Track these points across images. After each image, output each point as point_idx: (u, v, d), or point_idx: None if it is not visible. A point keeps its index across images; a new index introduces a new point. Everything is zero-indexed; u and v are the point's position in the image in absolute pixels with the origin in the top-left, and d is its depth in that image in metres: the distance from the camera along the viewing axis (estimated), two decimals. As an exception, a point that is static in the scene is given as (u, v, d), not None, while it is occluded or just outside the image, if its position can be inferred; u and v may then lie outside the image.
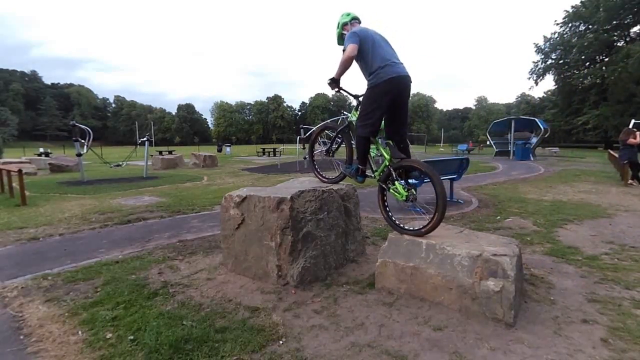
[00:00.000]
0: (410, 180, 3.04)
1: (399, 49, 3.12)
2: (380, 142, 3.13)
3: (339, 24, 3.29)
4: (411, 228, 2.94)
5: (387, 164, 3.03)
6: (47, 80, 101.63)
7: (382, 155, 3.10)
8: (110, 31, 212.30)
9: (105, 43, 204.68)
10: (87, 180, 11.10)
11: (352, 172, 3.29)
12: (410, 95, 3.18)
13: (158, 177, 12.23)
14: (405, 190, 2.90)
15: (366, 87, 3.04)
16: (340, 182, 3.73)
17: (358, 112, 3.19)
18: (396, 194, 2.95)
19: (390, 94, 2.92)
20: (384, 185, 3.09)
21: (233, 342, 2.21)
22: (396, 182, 2.95)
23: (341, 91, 3.24)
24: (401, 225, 3.00)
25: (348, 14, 3.26)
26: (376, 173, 3.17)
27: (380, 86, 2.90)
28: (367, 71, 3.01)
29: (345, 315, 2.58)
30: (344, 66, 3.00)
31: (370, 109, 3.00)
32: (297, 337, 2.29)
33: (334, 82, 3.10)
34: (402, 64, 3.02)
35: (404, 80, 2.94)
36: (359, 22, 3.29)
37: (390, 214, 3.11)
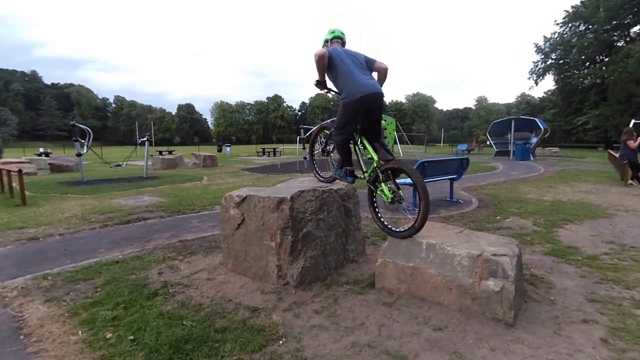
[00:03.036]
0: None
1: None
2: (369, 144, 3.19)
3: (324, 40, 3.41)
4: (397, 229, 2.97)
5: (375, 165, 3.08)
6: (48, 80, 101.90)
7: (371, 157, 3.16)
8: (110, 31, 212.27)
9: (106, 43, 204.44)
10: (87, 180, 11.10)
11: (341, 174, 3.37)
12: (384, 109, 3.25)
13: (158, 177, 12.23)
14: (391, 192, 2.95)
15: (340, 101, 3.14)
16: (341, 182, 3.74)
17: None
18: (382, 195, 3.02)
19: (361, 111, 3.02)
20: (372, 187, 3.16)
21: (233, 342, 2.21)
22: (382, 184, 3.01)
23: (330, 92, 3.30)
24: (389, 226, 3.04)
25: (333, 32, 3.38)
26: (366, 174, 3.23)
27: (352, 104, 3.00)
28: (338, 88, 3.15)
29: (345, 315, 2.58)
30: (319, 66, 3.08)
31: (342, 122, 3.14)
32: (297, 337, 2.30)
33: (320, 84, 3.18)
34: (372, 80, 3.10)
35: (374, 98, 3.00)
36: (341, 42, 3.38)
37: (379, 215, 3.17)
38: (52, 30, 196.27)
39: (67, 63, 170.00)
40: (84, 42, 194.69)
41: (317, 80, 3.16)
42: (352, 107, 3.00)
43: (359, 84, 2.97)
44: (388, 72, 3.25)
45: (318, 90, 3.38)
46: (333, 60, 3.08)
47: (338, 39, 3.36)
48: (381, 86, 3.19)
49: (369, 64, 3.20)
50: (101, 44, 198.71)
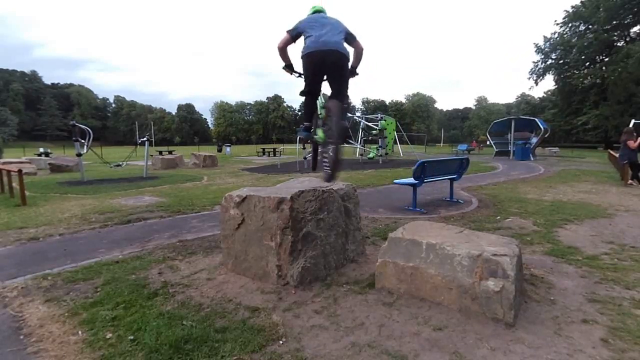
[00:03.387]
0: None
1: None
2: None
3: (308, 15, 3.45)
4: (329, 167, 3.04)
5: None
6: (48, 80, 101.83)
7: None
8: (111, 31, 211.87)
9: (106, 43, 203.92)
10: (87, 180, 11.10)
11: (301, 132, 3.51)
12: (344, 67, 3.14)
13: (158, 177, 12.23)
14: (323, 132, 3.09)
15: None
16: (340, 183, 3.75)
17: None
18: (318, 138, 3.15)
19: (311, 66, 3.09)
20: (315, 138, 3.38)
21: (233, 342, 2.21)
22: (318, 129, 3.18)
23: (301, 75, 3.34)
24: (325, 167, 3.16)
25: (313, 7, 3.43)
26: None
27: (303, 60, 3.10)
28: None
29: (345, 315, 2.58)
30: (280, 55, 3.23)
31: (304, 78, 3.24)
32: (297, 337, 2.30)
33: (287, 67, 3.31)
34: (327, 39, 3.03)
35: (322, 53, 3.00)
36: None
37: (317, 157, 3.39)
38: (52, 30, 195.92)
39: (67, 63, 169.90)
40: (84, 42, 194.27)
41: (284, 65, 3.27)
42: (304, 63, 3.09)
43: (313, 41, 3.00)
44: (364, 53, 3.27)
45: None
46: (305, 27, 3.13)
47: (319, 12, 3.39)
48: (356, 66, 3.22)
49: (348, 37, 3.16)
50: (101, 44, 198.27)
